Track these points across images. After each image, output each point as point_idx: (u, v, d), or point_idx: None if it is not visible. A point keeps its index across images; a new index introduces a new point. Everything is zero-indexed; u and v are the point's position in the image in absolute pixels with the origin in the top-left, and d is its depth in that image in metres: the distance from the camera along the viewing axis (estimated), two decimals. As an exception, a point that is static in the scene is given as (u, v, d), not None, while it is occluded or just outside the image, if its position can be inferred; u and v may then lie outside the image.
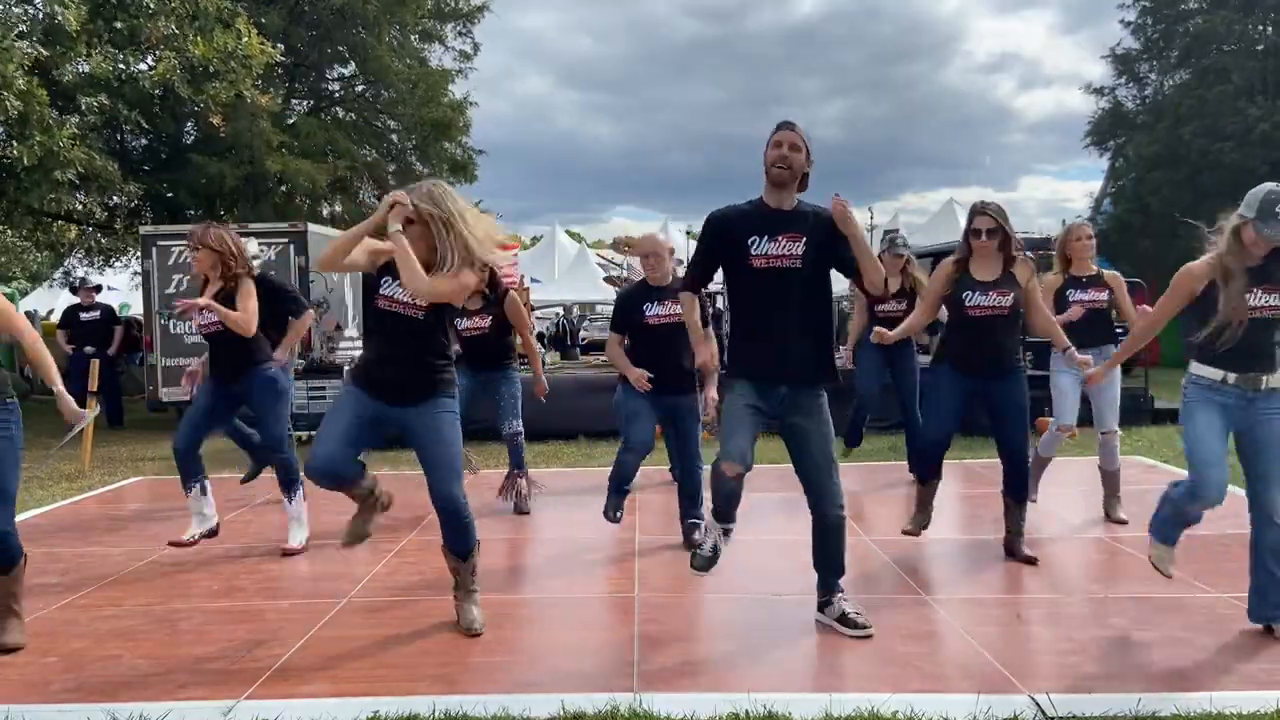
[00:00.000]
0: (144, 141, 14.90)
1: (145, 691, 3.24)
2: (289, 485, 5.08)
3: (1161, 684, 3.16)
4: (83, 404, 8.99)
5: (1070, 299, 5.22)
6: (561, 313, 19.47)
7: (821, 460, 3.62)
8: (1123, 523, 5.38)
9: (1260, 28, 20.89)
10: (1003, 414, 4.49)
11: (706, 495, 5.01)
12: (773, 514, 5.45)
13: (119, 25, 11.61)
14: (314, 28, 16.07)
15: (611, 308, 5.79)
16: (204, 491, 4.99)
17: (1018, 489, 4.63)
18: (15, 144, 10.47)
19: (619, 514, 4.99)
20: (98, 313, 11.82)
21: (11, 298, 18.42)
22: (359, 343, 11.05)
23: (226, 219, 13.37)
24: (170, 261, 11.04)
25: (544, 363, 12.67)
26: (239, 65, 11.92)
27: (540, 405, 6.07)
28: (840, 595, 3.76)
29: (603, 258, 24.82)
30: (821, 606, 3.80)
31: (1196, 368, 3.56)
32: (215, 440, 5.61)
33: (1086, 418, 5.33)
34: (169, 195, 14.51)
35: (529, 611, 4.13)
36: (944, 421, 4.56)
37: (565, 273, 23.61)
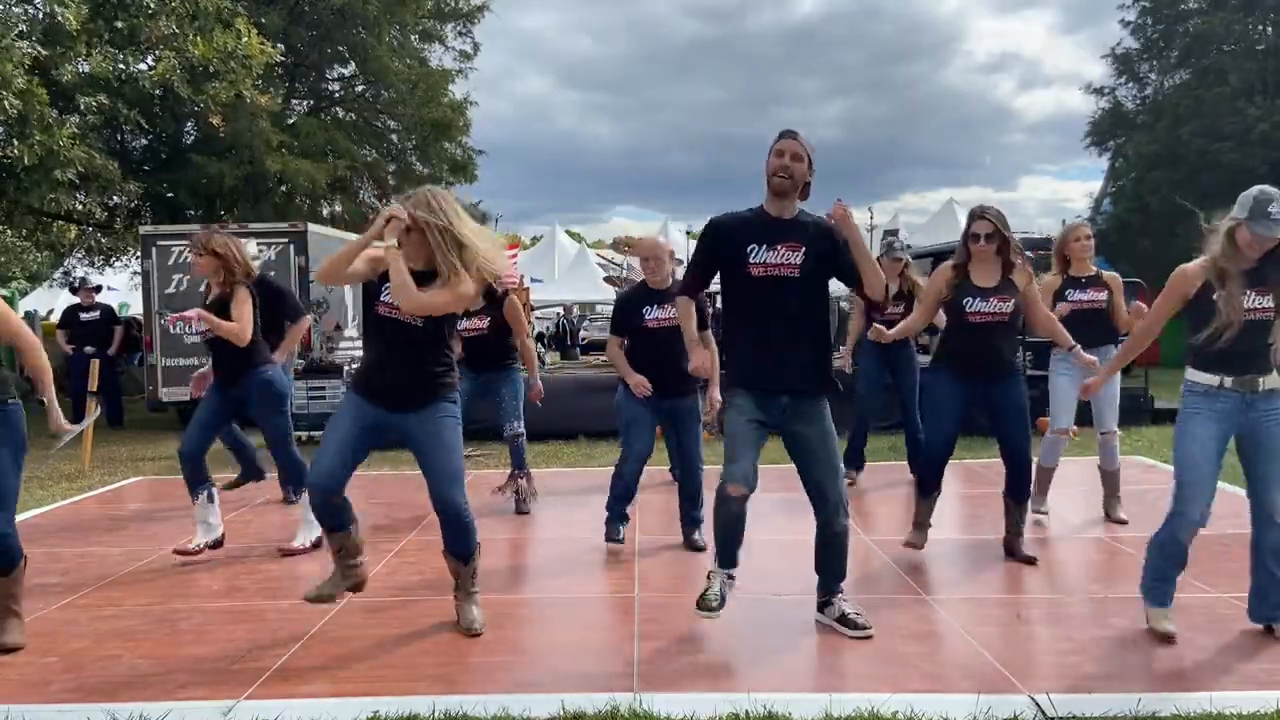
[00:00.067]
0: (144, 141, 14.90)
1: (145, 691, 3.24)
2: (297, 483, 5.06)
3: (1161, 684, 3.16)
4: (83, 404, 9.08)
5: (1069, 299, 5.21)
6: (561, 313, 19.45)
7: (827, 467, 3.61)
8: (1123, 523, 5.38)
9: (1260, 28, 20.90)
10: (1003, 416, 4.49)
11: (707, 496, 5.03)
12: (773, 514, 5.45)
13: (119, 25, 11.61)
14: (314, 28, 16.07)
15: (611, 308, 5.78)
16: (210, 500, 4.97)
17: (1019, 490, 4.63)
18: (15, 143, 10.47)
19: (621, 536, 4.98)
20: (98, 313, 11.81)
21: (10, 298, 18.47)
22: (359, 343, 11.05)
23: (226, 219, 13.39)
24: (170, 261, 11.04)
25: (544, 363, 12.76)
26: (239, 65, 11.91)
27: (541, 405, 6.07)
28: (840, 596, 3.76)
29: (603, 258, 24.84)
30: (821, 607, 3.81)
31: (1192, 374, 3.56)
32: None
33: (1086, 418, 5.32)
34: (169, 195, 14.51)
35: (529, 611, 4.13)
36: (945, 429, 4.54)
37: (565, 273, 23.63)
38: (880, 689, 3.14)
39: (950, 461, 4.67)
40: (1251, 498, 3.56)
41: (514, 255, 14.95)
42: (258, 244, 6.06)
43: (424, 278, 3.53)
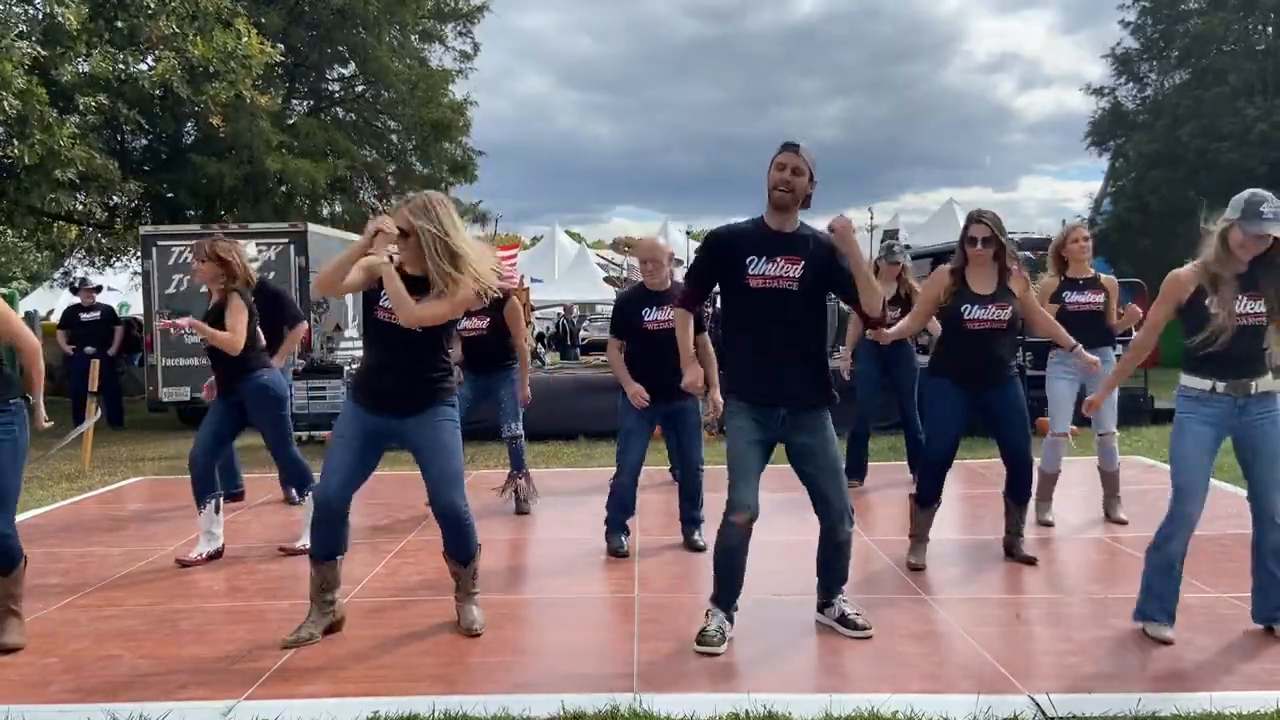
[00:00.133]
0: (144, 141, 14.90)
1: (145, 691, 3.24)
2: (300, 484, 5.07)
3: (1161, 684, 3.16)
4: (83, 405, 9.07)
5: (1067, 300, 5.21)
6: (561, 313, 19.46)
7: (830, 474, 3.60)
8: (1123, 523, 5.38)
9: (1260, 28, 20.92)
10: (1003, 418, 4.49)
11: (707, 496, 5.04)
12: (773, 514, 5.41)
13: (119, 25, 11.62)
14: (314, 28, 16.07)
15: (611, 308, 5.77)
16: (216, 509, 4.97)
17: (1020, 491, 4.63)
18: (15, 143, 10.47)
19: (624, 549, 4.97)
20: (98, 313, 11.82)
21: (10, 298, 18.46)
22: (359, 343, 11.05)
23: (226, 219, 13.38)
24: (170, 261, 11.04)
25: (544, 363, 12.77)
26: (239, 65, 11.91)
27: (541, 405, 6.06)
28: (840, 596, 3.76)
29: (602, 258, 24.89)
30: (821, 607, 3.81)
31: (1186, 379, 3.57)
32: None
33: (1086, 418, 5.32)
34: (169, 195, 14.52)
35: (529, 612, 4.13)
36: (945, 441, 4.51)
37: (565, 273, 23.67)
38: (880, 689, 3.14)
39: (950, 462, 4.67)
40: (1251, 500, 3.57)
41: (514, 256, 14.96)
42: (257, 245, 6.07)
43: (421, 283, 3.53)
